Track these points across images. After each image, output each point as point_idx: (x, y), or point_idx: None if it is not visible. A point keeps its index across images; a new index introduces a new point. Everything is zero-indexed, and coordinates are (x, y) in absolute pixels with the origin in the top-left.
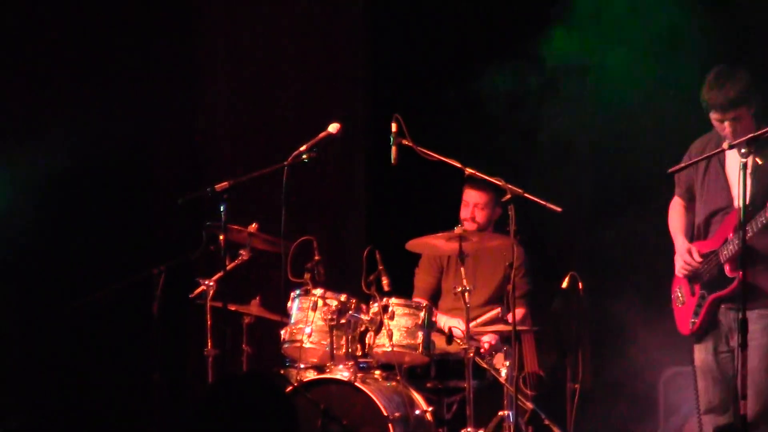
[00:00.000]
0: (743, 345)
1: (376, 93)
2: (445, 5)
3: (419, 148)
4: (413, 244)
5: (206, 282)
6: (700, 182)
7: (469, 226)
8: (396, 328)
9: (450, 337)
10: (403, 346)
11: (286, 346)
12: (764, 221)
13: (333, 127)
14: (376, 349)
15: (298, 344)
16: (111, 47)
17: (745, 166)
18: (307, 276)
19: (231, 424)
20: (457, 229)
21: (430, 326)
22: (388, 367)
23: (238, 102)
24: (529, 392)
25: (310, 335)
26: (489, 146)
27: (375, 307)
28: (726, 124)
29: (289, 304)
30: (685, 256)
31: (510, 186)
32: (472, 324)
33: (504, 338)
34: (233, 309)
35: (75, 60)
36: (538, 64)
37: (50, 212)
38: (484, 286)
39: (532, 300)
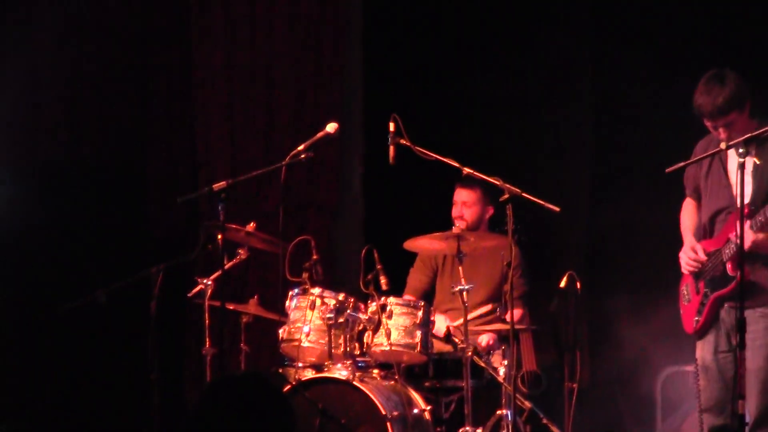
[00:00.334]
0: (741, 345)
1: (373, 93)
2: (442, 4)
3: (417, 147)
4: (411, 244)
5: (204, 281)
6: (703, 182)
7: (458, 224)
8: (394, 327)
9: (448, 336)
10: (401, 345)
11: (284, 345)
12: (763, 220)
13: (331, 127)
14: (374, 348)
15: (297, 343)
16: (109, 46)
17: (742, 166)
18: (305, 275)
19: (229, 424)
20: (455, 229)
21: (428, 325)
22: (387, 366)
23: (236, 102)
24: (526, 391)
25: (308, 334)
26: (487, 145)
27: (373, 306)
28: (720, 129)
29: (287, 303)
30: (689, 252)
31: (508, 186)
32: (469, 318)
33: (502, 337)
34: (231, 308)
35: (74, 59)
36: (536, 63)
37: (48, 211)
38: (481, 286)
39: (529, 300)
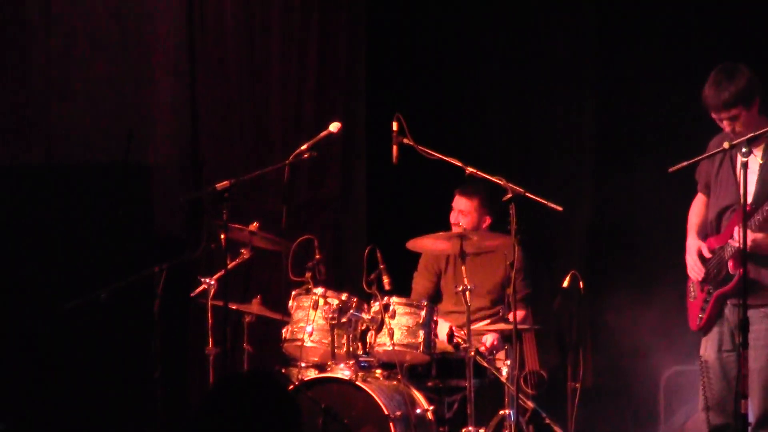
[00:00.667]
0: (744, 344)
1: (376, 92)
2: (445, 3)
3: (420, 147)
4: (414, 244)
5: (207, 281)
6: (714, 178)
7: (455, 231)
8: (397, 326)
9: (451, 336)
10: (404, 345)
11: (287, 344)
12: (761, 219)
13: (334, 126)
14: (377, 348)
15: (299, 343)
16: (109, 40)
17: (745, 165)
18: (308, 275)
19: (235, 423)
20: (458, 229)
21: (431, 325)
22: (389, 365)
23: (239, 101)
24: (529, 391)
25: (311, 334)
26: (490, 145)
27: (376, 306)
28: (724, 123)
29: (290, 303)
30: (693, 257)
31: (511, 185)
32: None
33: (505, 337)
34: (234, 308)
35: (78, 55)
36: (539, 63)
37: (50, 210)
38: (484, 286)
39: (532, 301)
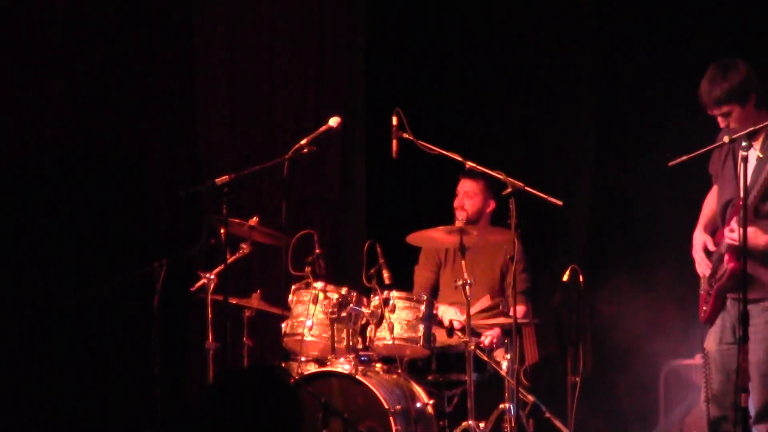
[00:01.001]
0: (744, 338)
1: (376, 86)
2: None
3: (420, 141)
4: (413, 238)
5: (207, 275)
6: (720, 171)
7: (459, 215)
8: (397, 321)
9: (451, 330)
10: (404, 339)
11: (287, 339)
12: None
13: (333, 121)
14: (377, 342)
15: (299, 337)
16: (110, 38)
17: (745, 159)
18: (307, 269)
19: (235, 419)
20: (458, 223)
21: (431, 319)
22: (389, 360)
23: (239, 95)
24: (529, 385)
25: (311, 328)
26: (489, 139)
27: (376, 301)
28: (718, 119)
29: (289, 297)
30: (695, 255)
31: (511, 179)
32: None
33: (505, 332)
34: (234, 302)
35: (76, 51)
36: (539, 56)
37: (50, 205)
38: (483, 279)
39: (532, 295)
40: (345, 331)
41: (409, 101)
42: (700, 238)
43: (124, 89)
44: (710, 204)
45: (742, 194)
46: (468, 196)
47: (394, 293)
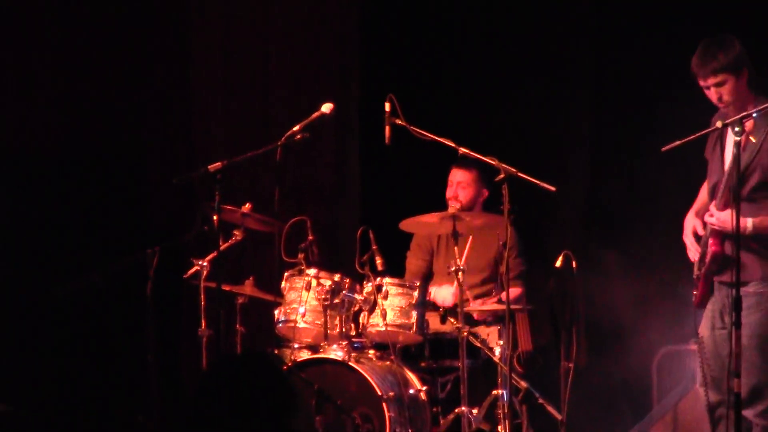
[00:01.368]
0: (737, 323)
1: (369, 73)
2: None
3: (413, 127)
4: (407, 224)
5: (200, 262)
6: (709, 155)
7: (453, 205)
8: (390, 307)
9: (444, 317)
10: (396, 326)
11: (280, 326)
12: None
13: (326, 107)
14: (370, 329)
15: (292, 324)
16: (104, 27)
17: (739, 144)
18: (300, 256)
19: (229, 405)
20: (451, 209)
21: (424, 305)
22: (382, 346)
23: (232, 82)
24: (522, 371)
25: (304, 315)
26: (483, 125)
27: (369, 287)
28: (711, 90)
29: (282, 284)
30: (685, 240)
31: (503, 165)
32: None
33: (499, 318)
34: (227, 289)
35: (68, 40)
36: (534, 40)
37: (43, 193)
38: (477, 265)
39: (527, 279)
40: (338, 317)
41: (403, 88)
42: (690, 222)
43: (117, 76)
44: (705, 189)
45: (725, 178)
46: (461, 187)
47: (387, 280)
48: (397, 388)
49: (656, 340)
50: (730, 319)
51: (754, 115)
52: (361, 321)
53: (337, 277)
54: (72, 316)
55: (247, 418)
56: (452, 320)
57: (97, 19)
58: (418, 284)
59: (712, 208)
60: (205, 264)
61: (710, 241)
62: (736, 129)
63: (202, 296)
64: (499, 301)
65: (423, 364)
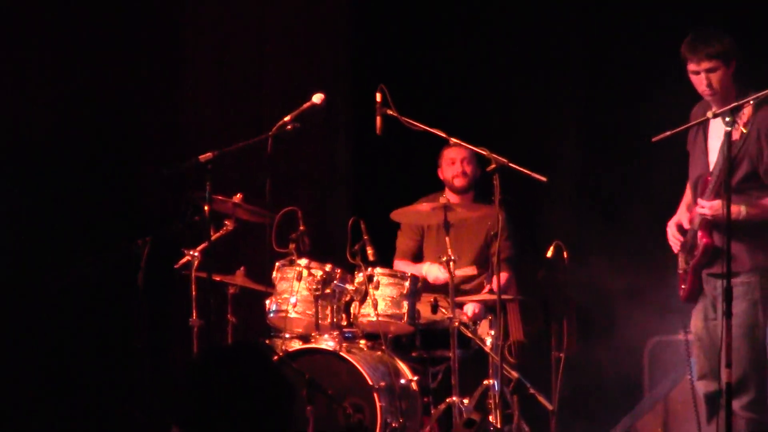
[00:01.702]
0: (728, 313)
1: (360, 63)
2: None
3: (404, 118)
4: (398, 214)
5: (191, 252)
6: (691, 147)
7: (459, 182)
8: (381, 297)
9: (435, 307)
10: (388, 316)
11: (271, 316)
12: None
13: (317, 98)
14: (361, 319)
15: (283, 314)
16: (93, 15)
17: (729, 135)
18: (291, 246)
19: (219, 396)
20: (442, 200)
21: (415, 296)
22: (374, 336)
23: (223, 72)
24: (513, 361)
25: (295, 305)
26: (474, 116)
27: (360, 277)
28: (702, 75)
29: (274, 274)
30: (668, 231)
31: (494, 155)
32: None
33: (488, 307)
34: (218, 279)
35: (57, 29)
36: (526, 32)
37: (32, 183)
38: (467, 253)
39: (516, 265)
40: (329, 307)
41: (394, 78)
42: (677, 216)
43: (107, 67)
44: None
45: (712, 169)
46: (467, 161)
47: (378, 270)
48: (388, 378)
49: (647, 330)
50: (721, 309)
51: (751, 102)
52: (352, 311)
53: (328, 268)
54: (63, 306)
55: (238, 410)
56: (443, 310)
57: (89, 11)
58: (409, 275)
59: (701, 200)
60: (196, 254)
61: (699, 233)
62: (728, 119)
63: (193, 286)
64: (490, 292)
65: (414, 354)
